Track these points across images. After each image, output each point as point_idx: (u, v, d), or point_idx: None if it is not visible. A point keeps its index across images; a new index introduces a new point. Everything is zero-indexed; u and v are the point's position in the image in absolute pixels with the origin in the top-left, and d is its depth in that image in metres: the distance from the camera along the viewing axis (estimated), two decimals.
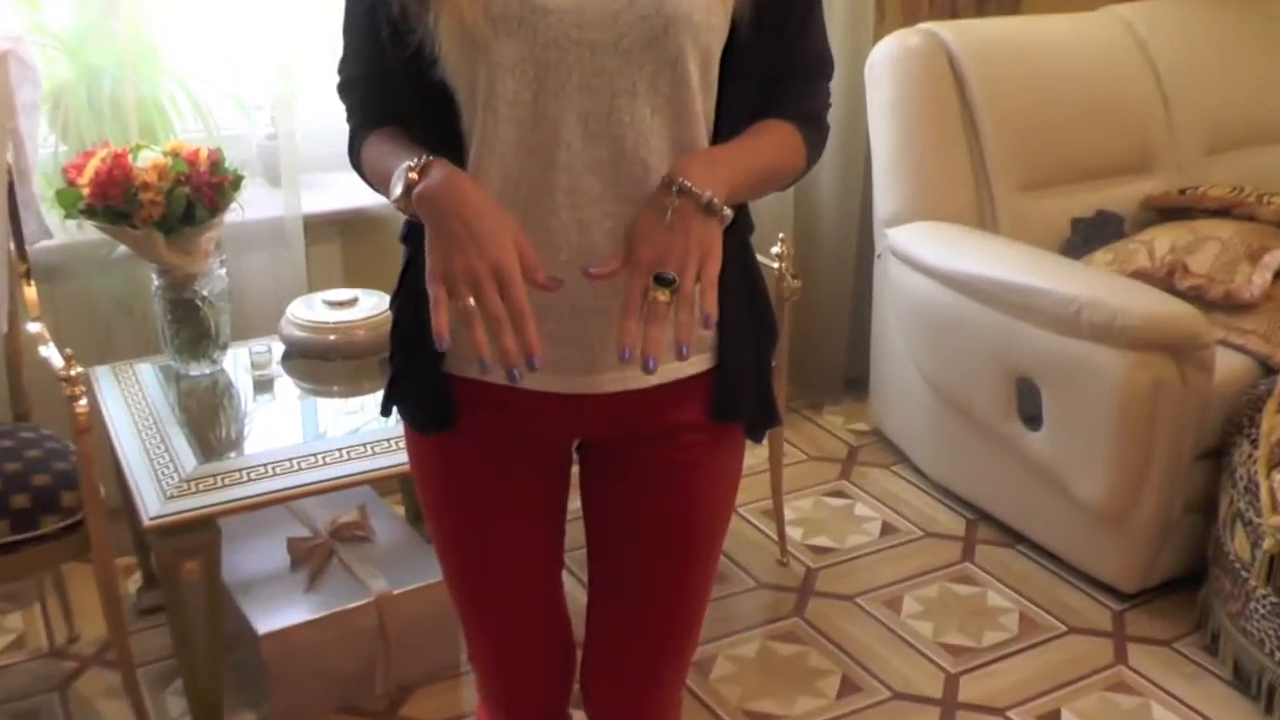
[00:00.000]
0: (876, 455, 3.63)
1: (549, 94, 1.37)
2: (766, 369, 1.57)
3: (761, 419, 1.57)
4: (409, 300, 1.51)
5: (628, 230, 1.33)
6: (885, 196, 3.40)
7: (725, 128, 1.44)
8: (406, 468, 2.28)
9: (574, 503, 1.64)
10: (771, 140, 1.47)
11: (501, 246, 1.28)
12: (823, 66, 1.53)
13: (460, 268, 1.27)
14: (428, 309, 1.29)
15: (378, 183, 1.48)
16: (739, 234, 1.50)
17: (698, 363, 1.51)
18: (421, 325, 1.37)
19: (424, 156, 1.37)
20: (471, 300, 1.27)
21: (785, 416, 3.15)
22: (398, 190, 1.37)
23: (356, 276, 3.12)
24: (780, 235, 2.84)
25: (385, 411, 1.59)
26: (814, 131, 1.52)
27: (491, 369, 1.27)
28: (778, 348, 1.60)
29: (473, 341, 1.26)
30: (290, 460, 2.37)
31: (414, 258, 1.49)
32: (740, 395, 1.53)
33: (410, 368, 1.53)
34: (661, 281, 1.27)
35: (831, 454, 3.65)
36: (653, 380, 1.47)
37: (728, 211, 1.32)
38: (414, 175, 1.35)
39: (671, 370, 1.47)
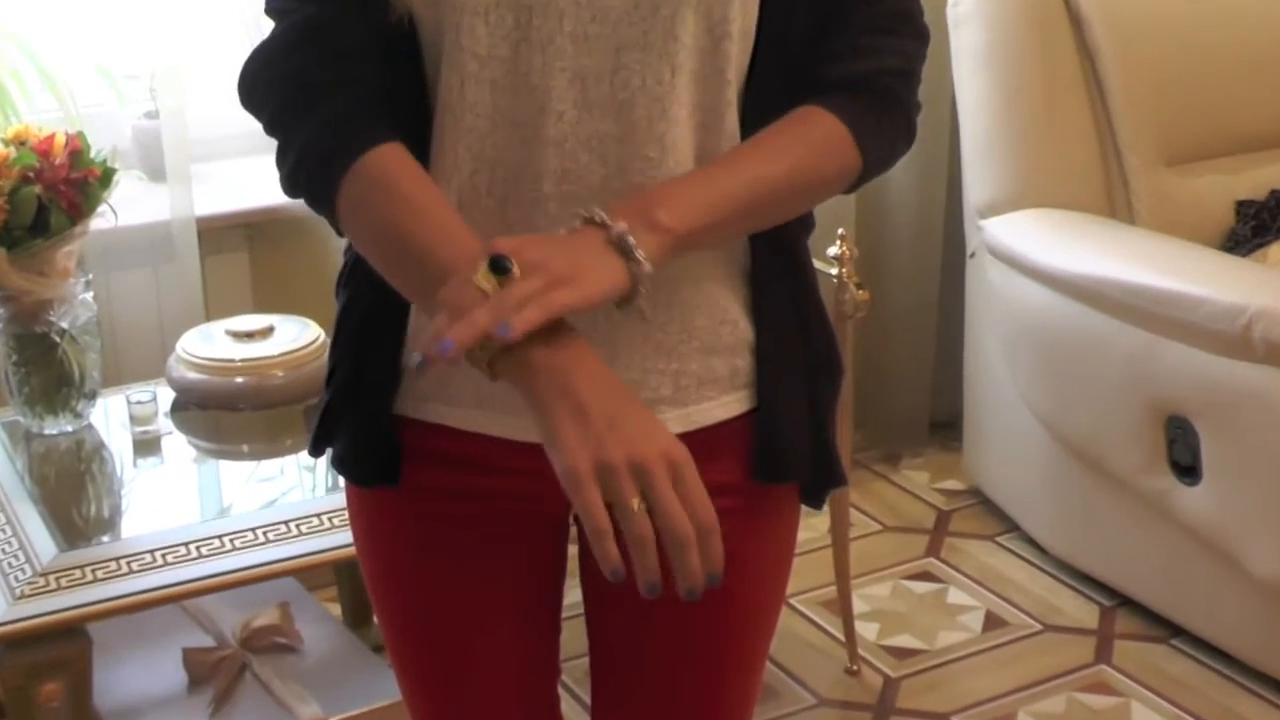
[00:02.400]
0: (975, 523, 3.64)
1: (534, 47, 1.37)
2: (825, 410, 1.55)
3: (820, 478, 1.56)
4: (360, 294, 1.49)
5: None
6: (979, 177, 3.41)
7: (753, 111, 1.43)
8: (342, 552, 2.31)
9: (574, 594, 1.63)
10: (775, 148, 1.42)
11: (656, 422, 1.29)
12: (900, 13, 1.48)
13: (620, 456, 1.24)
14: (384, 306, 1.33)
15: (385, 259, 1.41)
16: (785, 230, 1.48)
17: (731, 404, 1.50)
18: (374, 332, 1.38)
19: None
20: (637, 502, 1.24)
21: (851, 474, 3.14)
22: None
23: (270, 298, 3.14)
24: (840, 232, 2.84)
25: (315, 451, 1.58)
26: (871, 107, 1.46)
27: (656, 591, 1.24)
28: (841, 382, 1.58)
29: (643, 567, 1.23)
30: (185, 545, 2.37)
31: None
32: (790, 446, 1.52)
33: (351, 391, 1.51)
34: (496, 268, 1.26)
35: (915, 523, 3.65)
36: (671, 427, 1.44)
37: (645, 264, 1.30)
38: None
39: (696, 413, 1.48)
